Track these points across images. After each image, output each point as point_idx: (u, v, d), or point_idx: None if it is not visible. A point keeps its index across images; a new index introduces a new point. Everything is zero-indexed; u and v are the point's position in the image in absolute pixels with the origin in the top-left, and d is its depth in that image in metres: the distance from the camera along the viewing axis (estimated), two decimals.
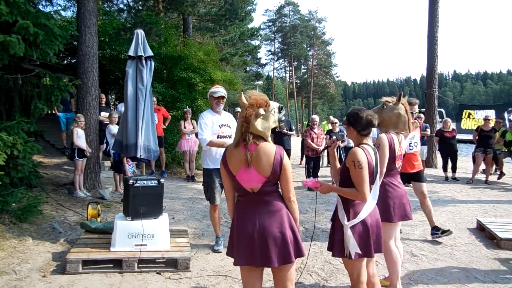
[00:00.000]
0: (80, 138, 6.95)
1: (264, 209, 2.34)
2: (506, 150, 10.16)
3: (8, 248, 4.37)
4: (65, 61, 14.27)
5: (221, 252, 4.57)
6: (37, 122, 5.96)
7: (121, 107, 8.94)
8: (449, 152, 10.04)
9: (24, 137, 5.15)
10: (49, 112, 10.55)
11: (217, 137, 4.49)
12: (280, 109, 2.48)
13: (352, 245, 2.59)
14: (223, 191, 2.62)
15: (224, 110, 4.86)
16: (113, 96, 15.61)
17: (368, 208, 2.68)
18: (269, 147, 2.35)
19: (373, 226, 2.69)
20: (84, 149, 7.00)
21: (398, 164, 3.38)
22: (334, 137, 3.36)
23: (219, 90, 4.63)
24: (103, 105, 9.38)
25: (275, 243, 2.28)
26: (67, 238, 4.87)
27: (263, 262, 2.29)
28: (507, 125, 11.31)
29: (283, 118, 2.49)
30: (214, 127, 4.49)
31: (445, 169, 10.21)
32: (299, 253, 2.36)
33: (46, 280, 3.70)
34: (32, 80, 5.79)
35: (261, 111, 2.36)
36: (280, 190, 2.43)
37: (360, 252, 2.62)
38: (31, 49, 5.12)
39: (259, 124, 2.35)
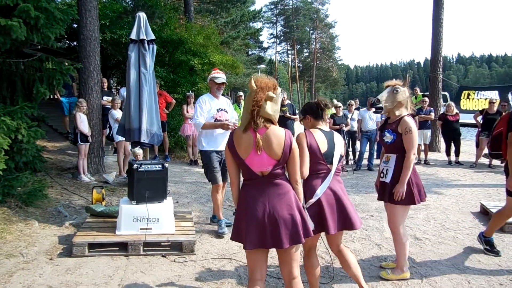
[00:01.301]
0: (83, 123, 6.95)
1: (273, 192, 2.36)
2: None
3: (15, 231, 4.41)
4: (66, 45, 14.17)
5: (226, 234, 4.60)
6: (40, 107, 5.95)
7: (124, 91, 8.91)
8: (453, 136, 10.00)
9: (27, 121, 5.15)
10: (51, 97, 10.56)
11: (214, 120, 4.55)
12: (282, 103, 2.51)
13: (309, 222, 2.67)
14: (228, 172, 2.58)
15: (226, 94, 4.87)
16: (114, 81, 15.55)
17: (323, 187, 2.84)
18: (279, 130, 2.37)
19: (330, 204, 2.82)
20: (86, 133, 6.99)
21: None
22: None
23: (221, 76, 4.66)
24: (105, 89, 9.34)
25: (285, 225, 2.30)
26: (73, 222, 4.91)
27: (274, 243, 2.31)
28: None
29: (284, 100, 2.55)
30: (212, 111, 4.54)
31: (448, 153, 10.19)
32: (307, 233, 2.39)
33: (53, 263, 3.75)
34: (34, 64, 5.75)
35: (272, 94, 2.36)
36: (286, 172, 2.44)
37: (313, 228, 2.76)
38: (32, 33, 5.08)
39: (269, 107, 2.35)
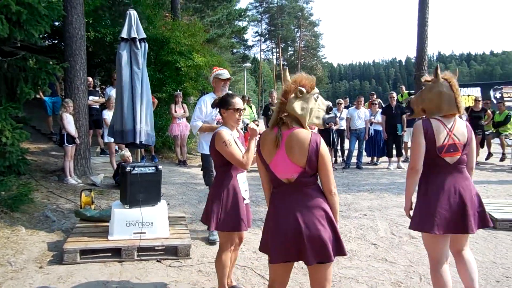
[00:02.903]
0: (69, 124, 6.76)
1: (301, 202, 2.12)
2: (494, 131, 10.31)
3: (1, 238, 4.24)
4: (47, 43, 13.78)
5: (218, 241, 4.52)
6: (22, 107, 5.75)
7: (110, 91, 8.71)
8: None
9: (12, 123, 4.96)
10: (34, 96, 10.25)
11: (217, 123, 4.34)
12: (329, 109, 2.24)
13: None
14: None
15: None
16: (98, 80, 15.22)
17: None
18: (304, 134, 2.11)
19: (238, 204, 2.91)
20: (73, 135, 6.80)
21: (452, 157, 2.58)
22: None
23: (225, 71, 4.47)
24: (91, 89, 9.11)
25: (313, 241, 2.07)
26: (62, 227, 4.76)
27: (299, 257, 2.12)
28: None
29: (328, 118, 2.24)
30: (214, 112, 4.36)
31: None
32: (339, 251, 2.15)
33: (43, 271, 3.61)
34: (17, 63, 5.54)
35: (302, 89, 2.13)
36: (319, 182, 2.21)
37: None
38: (15, 30, 4.88)
39: (297, 104, 2.13)
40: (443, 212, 2.53)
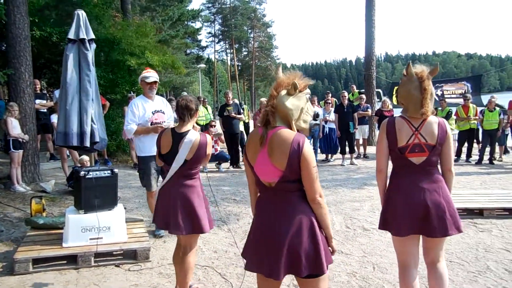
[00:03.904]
0: (15, 128, 6.42)
1: (282, 210, 1.93)
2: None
3: None
4: None
5: (162, 236, 4.62)
6: None
7: (58, 94, 8.35)
8: None
9: None
10: None
11: (151, 124, 4.37)
12: (316, 116, 2.11)
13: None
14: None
15: (163, 93, 4.73)
16: (44, 82, 14.50)
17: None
18: (286, 133, 1.91)
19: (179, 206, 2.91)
20: (20, 139, 6.46)
21: (418, 158, 2.44)
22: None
23: (152, 74, 4.46)
24: (38, 91, 8.68)
25: (286, 253, 1.87)
26: (11, 237, 4.53)
27: (270, 272, 1.90)
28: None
29: (314, 125, 2.09)
30: (147, 114, 4.36)
31: None
32: (317, 268, 1.89)
33: None
34: None
35: (296, 84, 1.96)
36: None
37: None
38: None
39: (288, 101, 1.95)
40: (402, 213, 2.43)
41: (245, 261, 2.09)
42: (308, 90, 2.06)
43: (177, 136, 2.93)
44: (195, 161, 2.92)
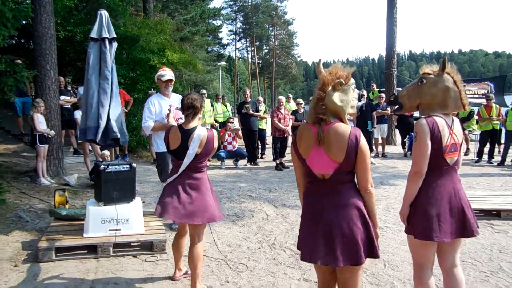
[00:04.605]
0: (41, 124, 6.69)
1: (334, 200, 2.04)
2: None
3: None
4: (14, 42, 13.41)
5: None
6: None
7: (82, 90, 8.62)
8: (407, 130, 10.52)
9: None
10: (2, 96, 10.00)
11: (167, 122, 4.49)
12: (360, 97, 2.23)
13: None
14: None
15: (179, 91, 4.84)
16: (70, 79, 14.95)
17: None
18: (343, 128, 2.02)
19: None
20: (46, 134, 6.72)
21: (452, 158, 2.39)
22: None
23: (167, 73, 4.57)
24: (63, 88, 8.99)
25: (343, 241, 1.97)
26: (36, 227, 4.75)
27: (327, 260, 2.00)
28: None
29: (360, 105, 2.21)
30: (163, 111, 4.47)
31: (403, 145, 10.72)
32: (371, 254, 2.05)
33: (18, 270, 3.63)
34: None
35: (341, 80, 2.03)
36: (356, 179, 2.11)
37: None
38: None
39: (336, 96, 2.03)
40: (448, 217, 2.34)
41: (300, 252, 2.18)
42: (352, 80, 2.11)
43: (186, 133, 3.09)
44: (204, 154, 3.12)
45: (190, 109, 3.09)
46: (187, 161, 3.06)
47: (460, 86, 2.45)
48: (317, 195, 2.11)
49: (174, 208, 3.07)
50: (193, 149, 3.05)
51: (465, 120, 10.57)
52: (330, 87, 2.04)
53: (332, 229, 1.99)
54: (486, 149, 9.85)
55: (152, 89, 9.89)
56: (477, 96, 13.90)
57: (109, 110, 4.37)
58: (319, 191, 2.10)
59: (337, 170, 2.02)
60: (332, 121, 2.04)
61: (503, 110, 9.90)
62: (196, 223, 3.05)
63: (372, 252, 2.04)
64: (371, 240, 2.04)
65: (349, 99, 2.08)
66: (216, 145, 3.20)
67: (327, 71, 2.11)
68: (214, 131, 3.23)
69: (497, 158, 9.70)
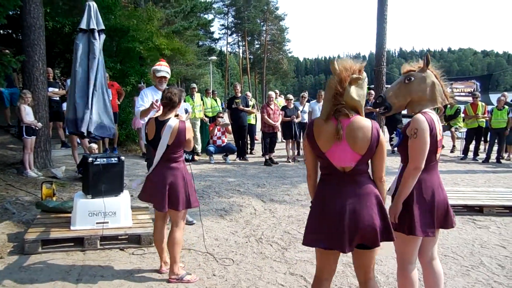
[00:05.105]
0: (28, 115, 6.62)
1: (354, 191, 2.12)
2: (446, 124, 10.95)
3: None
4: (1, 32, 13.17)
5: (194, 223, 4.75)
6: None
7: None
8: (394, 126, 10.64)
9: None
10: None
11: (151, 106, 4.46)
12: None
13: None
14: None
15: (171, 84, 4.82)
16: (58, 71, 14.76)
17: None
18: (365, 121, 2.10)
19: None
20: (33, 125, 6.66)
21: (439, 153, 2.50)
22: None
23: (162, 69, 4.50)
24: (51, 80, 8.88)
25: (365, 228, 2.06)
26: (22, 219, 4.72)
27: (350, 246, 2.09)
28: None
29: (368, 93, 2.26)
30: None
31: (390, 141, 10.82)
32: (388, 237, 2.15)
33: (3, 262, 3.62)
34: None
35: (357, 75, 2.11)
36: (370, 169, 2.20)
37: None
38: None
39: (354, 91, 2.09)
40: (435, 210, 2.40)
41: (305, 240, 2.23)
42: (365, 74, 2.18)
43: (160, 124, 3.26)
44: (176, 145, 3.26)
45: (168, 102, 3.26)
46: (160, 151, 3.25)
47: (440, 79, 2.55)
48: (336, 186, 2.16)
49: (150, 195, 3.33)
50: (165, 139, 3.20)
51: (451, 117, 10.73)
52: (347, 83, 2.10)
53: (357, 218, 2.06)
54: (472, 146, 10.03)
55: (141, 82, 9.85)
56: (463, 94, 14.12)
57: (94, 102, 4.36)
58: (338, 183, 2.16)
59: (358, 162, 2.11)
60: (351, 115, 2.11)
61: (489, 108, 10.08)
62: (174, 209, 3.25)
63: (389, 235, 2.15)
64: (387, 225, 2.14)
65: (365, 93, 2.18)
66: (189, 136, 3.33)
67: (342, 67, 2.14)
68: (188, 123, 3.37)
69: (482, 155, 9.89)
